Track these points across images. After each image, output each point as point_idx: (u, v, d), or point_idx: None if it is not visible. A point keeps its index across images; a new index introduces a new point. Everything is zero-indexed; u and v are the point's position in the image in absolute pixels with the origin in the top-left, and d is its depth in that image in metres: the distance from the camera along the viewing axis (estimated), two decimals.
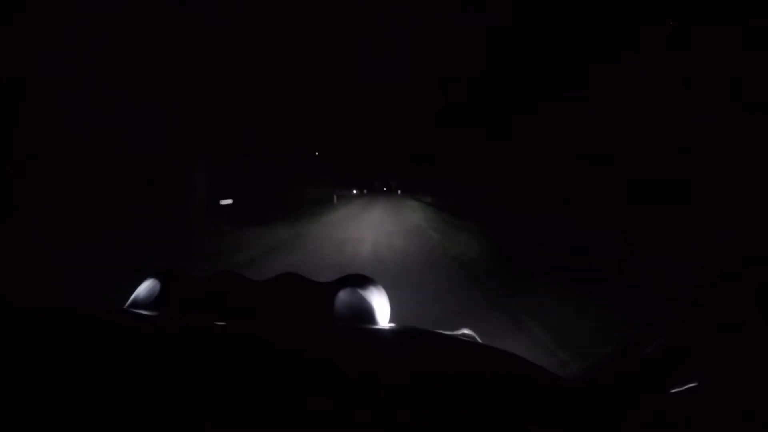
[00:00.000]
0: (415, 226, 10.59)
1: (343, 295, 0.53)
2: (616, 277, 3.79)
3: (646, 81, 5.20)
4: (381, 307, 0.56)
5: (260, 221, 9.58)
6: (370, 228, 9.74)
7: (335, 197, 19.79)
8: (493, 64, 11.18)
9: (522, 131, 9.25)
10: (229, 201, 9.49)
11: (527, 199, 8.54)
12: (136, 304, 0.54)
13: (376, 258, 5.66)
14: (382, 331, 0.49)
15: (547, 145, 7.91)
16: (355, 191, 48.43)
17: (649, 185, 4.86)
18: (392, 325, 0.53)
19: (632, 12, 5.63)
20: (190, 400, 0.29)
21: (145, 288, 0.56)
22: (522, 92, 9.28)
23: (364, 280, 0.58)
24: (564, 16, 7.54)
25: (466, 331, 0.67)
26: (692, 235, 3.82)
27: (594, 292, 3.50)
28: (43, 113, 5.19)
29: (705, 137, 4.21)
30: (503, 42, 10.45)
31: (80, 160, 5.66)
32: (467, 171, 14.41)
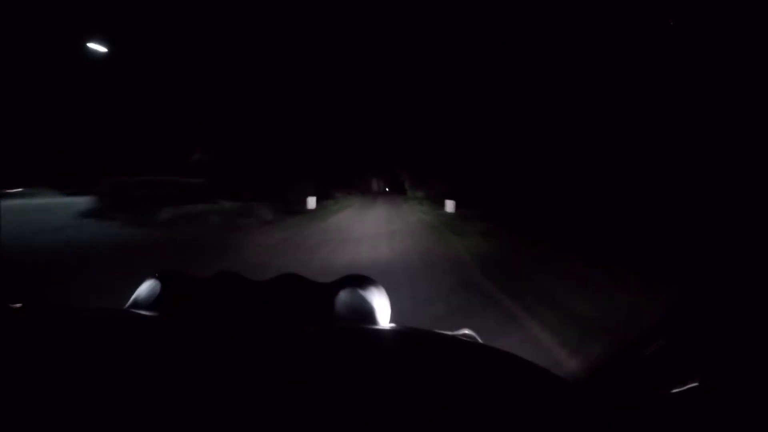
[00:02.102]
0: None
1: (343, 296, 0.53)
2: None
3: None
4: (381, 307, 0.56)
5: None
6: None
7: None
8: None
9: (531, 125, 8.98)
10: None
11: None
12: (137, 304, 0.54)
13: None
14: (382, 331, 0.49)
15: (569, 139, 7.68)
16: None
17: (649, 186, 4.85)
18: (393, 325, 0.53)
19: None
20: (190, 400, 0.29)
21: (146, 288, 0.56)
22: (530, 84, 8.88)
23: (365, 281, 0.58)
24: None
25: (466, 331, 0.67)
26: (692, 235, 3.81)
27: None
28: None
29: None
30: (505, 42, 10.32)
31: None
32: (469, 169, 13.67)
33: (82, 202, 8.70)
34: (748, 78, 3.94)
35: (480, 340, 0.62)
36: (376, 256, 5.46)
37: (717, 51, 4.30)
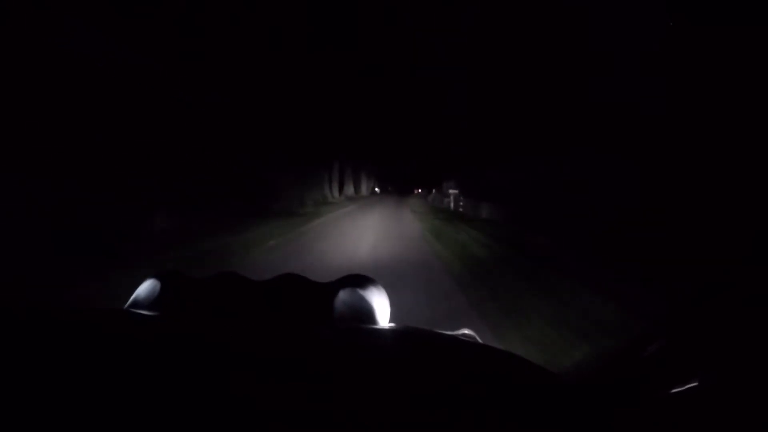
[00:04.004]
0: None
1: (343, 296, 0.53)
2: None
3: None
4: (381, 307, 0.56)
5: None
6: None
7: None
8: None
9: None
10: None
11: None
12: (137, 304, 0.54)
13: None
14: (382, 332, 0.49)
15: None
16: None
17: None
18: (392, 325, 0.53)
19: None
20: (190, 400, 0.29)
21: (146, 288, 0.55)
22: None
23: (365, 280, 0.58)
24: None
25: (466, 331, 0.67)
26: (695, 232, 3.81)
27: None
28: None
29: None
30: None
31: None
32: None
33: None
34: (750, 77, 3.94)
35: (479, 340, 0.62)
36: None
37: (717, 50, 4.31)
